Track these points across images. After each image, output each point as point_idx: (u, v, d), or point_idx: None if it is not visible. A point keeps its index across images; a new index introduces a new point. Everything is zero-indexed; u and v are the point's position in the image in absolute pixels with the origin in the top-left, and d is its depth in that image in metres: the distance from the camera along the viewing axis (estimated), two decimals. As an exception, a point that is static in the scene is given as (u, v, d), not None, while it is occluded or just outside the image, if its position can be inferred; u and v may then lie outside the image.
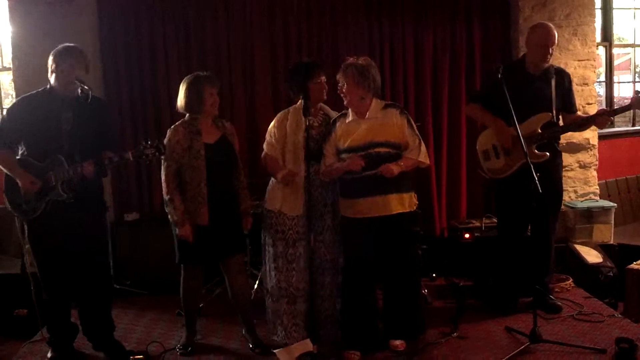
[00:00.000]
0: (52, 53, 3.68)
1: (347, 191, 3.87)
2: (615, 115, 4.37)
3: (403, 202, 3.84)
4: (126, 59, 5.50)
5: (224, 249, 3.94)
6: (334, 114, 4.03)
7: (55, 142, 3.61)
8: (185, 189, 3.83)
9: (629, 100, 4.32)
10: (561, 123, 4.45)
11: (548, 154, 4.24)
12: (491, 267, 4.77)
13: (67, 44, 3.72)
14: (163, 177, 3.84)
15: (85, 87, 3.64)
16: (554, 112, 4.31)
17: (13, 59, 5.31)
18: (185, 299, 4.05)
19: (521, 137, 3.90)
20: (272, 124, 4.02)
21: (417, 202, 3.99)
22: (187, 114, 3.90)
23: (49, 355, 3.94)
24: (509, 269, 4.50)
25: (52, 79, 3.68)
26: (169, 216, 3.84)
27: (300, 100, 3.94)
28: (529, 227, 4.56)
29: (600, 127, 4.49)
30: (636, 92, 4.36)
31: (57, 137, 3.61)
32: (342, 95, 3.84)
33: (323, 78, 3.94)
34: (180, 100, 3.89)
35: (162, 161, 3.82)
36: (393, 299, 4.00)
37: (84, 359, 4.01)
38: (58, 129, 3.61)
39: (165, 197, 3.83)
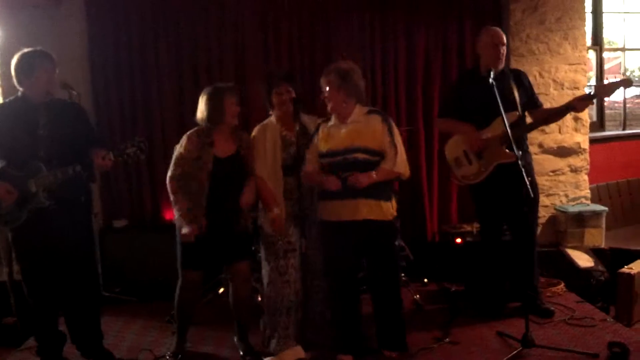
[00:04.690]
0: (18, 60, 3.58)
1: (324, 193, 3.83)
2: (589, 99, 4.34)
3: (373, 210, 3.74)
4: (115, 63, 5.46)
5: (227, 256, 3.91)
6: (310, 123, 3.98)
7: (32, 149, 3.55)
8: (190, 198, 3.78)
9: (620, 104, 4.36)
10: (528, 120, 4.46)
11: (519, 153, 4.13)
12: (475, 271, 4.76)
13: (34, 49, 3.62)
14: (168, 181, 3.81)
15: (74, 92, 3.60)
16: (520, 110, 4.30)
17: (1, 64, 5.25)
18: (180, 308, 3.99)
19: (511, 138, 3.88)
20: (255, 139, 3.95)
21: (394, 213, 3.85)
22: (201, 123, 3.85)
23: None
24: (489, 273, 4.50)
25: (24, 85, 3.59)
26: (175, 218, 3.79)
27: (274, 114, 3.96)
28: (511, 232, 4.56)
29: (579, 111, 4.57)
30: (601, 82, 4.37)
31: (34, 144, 3.55)
32: (325, 100, 3.80)
33: (285, 89, 3.90)
34: (201, 112, 3.82)
35: (172, 163, 3.80)
36: (376, 307, 3.96)
37: None
38: (34, 136, 3.55)
39: (171, 198, 3.79)
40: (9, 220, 3.62)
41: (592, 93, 4.27)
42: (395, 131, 3.80)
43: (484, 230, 4.62)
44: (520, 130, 4.27)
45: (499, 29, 4.39)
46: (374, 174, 3.67)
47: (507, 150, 4.15)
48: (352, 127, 3.75)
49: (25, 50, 3.62)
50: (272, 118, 3.98)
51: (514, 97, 4.28)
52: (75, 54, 5.21)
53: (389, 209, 3.81)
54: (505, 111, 4.12)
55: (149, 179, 5.56)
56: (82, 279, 3.84)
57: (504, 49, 4.33)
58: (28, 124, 3.56)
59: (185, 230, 3.72)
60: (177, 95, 5.56)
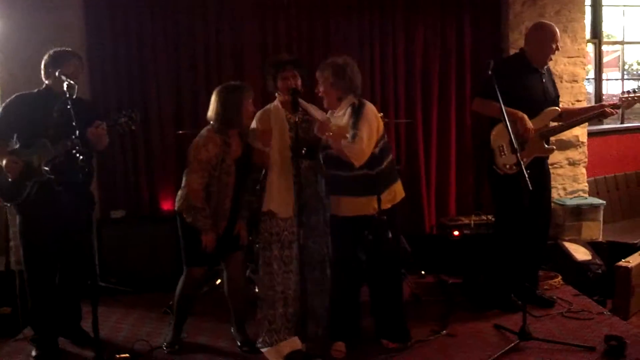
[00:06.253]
0: (49, 54, 3.77)
1: (330, 186, 3.91)
2: (617, 108, 4.40)
3: (350, 206, 3.75)
4: (113, 56, 5.40)
5: (227, 248, 3.89)
6: (311, 108, 3.91)
7: (43, 130, 3.66)
8: (208, 199, 3.74)
9: (617, 98, 4.38)
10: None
11: (553, 148, 4.39)
12: (487, 265, 4.68)
13: (62, 49, 3.83)
14: (193, 186, 3.69)
15: (72, 81, 3.60)
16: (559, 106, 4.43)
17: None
18: (182, 301, 3.98)
19: (514, 135, 3.93)
20: (253, 124, 3.89)
21: (376, 207, 3.72)
22: (215, 123, 3.76)
23: (33, 353, 3.89)
24: (508, 266, 4.44)
25: (50, 77, 3.75)
26: (191, 220, 3.73)
27: (277, 98, 3.92)
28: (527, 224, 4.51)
29: (605, 116, 4.55)
30: (630, 91, 4.37)
31: (46, 125, 3.66)
32: (320, 95, 3.78)
33: (291, 73, 3.84)
34: (217, 112, 3.72)
35: (191, 169, 3.71)
36: (373, 299, 4.00)
37: (67, 357, 3.96)
38: (48, 117, 3.65)
39: (196, 205, 3.70)
40: (11, 195, 3.71)
41: (618, 103, 4.35)
42: (366, 118, 3.65)
43: (504, 223, 4.51)
44: (563, 126, 4.41)
45: (554, 26, 4.39)
46: (335, 131, 3.59)
47: (546, 145, 4.31)
48: (333, 121, 3.72)
49: (59, 48, 3.83)
50: (276, 102, 3.93)
51: (554, 93, 4.44)
52: (73, 47, 5.16)
53: (370, 203, 3.72)
54: (547, 106, 4.33)
55: (146, 171, 5.53)
56: (77, 261, 3.92)
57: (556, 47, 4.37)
58: (45, 108, 3.68)
59: (208, 238, 3.71)
60: (175, 89, 5.52)
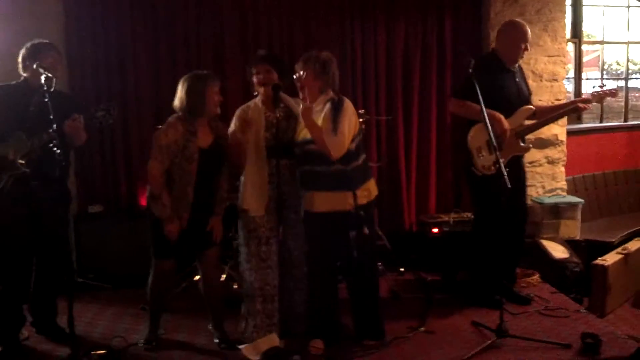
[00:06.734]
0: (27, 47, 3.75)
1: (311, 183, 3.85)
2: (589, 102, 4.42)
3: (328, 201, 3.71)
4: (92, 48, 5.32)
5: (200, 244, 3.86)
6: (293, 103, 3.86)
7: (20, 124, 3.61)
8: (171, 188, 3.71)
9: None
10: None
11: (532, 145, 4.43)
12: (469, 262, 4.72)
13: (41, 40, 3.81)
14: (152, 172, 3.68)
15: (49, 74, 3.56)
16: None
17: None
18: (153, 295, 3.95)
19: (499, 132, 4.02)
20: (232, 122, 3.89)
21: (352, 203, 3.67)
22: (180, 111, 3.74)
23: None
24: (488, 263, 4.46)
25: (28, 70, 3.73)
26: (154, 211, 3.73)
27: (259, 95, 3.89)
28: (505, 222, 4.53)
29: (579, 112, 4.67)
30: (602, 85, 4.44)
31: (22, 119, 3.61)
32: (299, 86, 3.73)
33: (263, 68, 3.83)
34: (181, 101, 3.70)
35: (151, 155, 3.70)
36: (350, 296, 4.00)
37: (43, 353, 3.92)
38: (25, 111, 3.61)
39: (153, 191, 3.71)
40: None
41: (589, 98, 4.41)
42: (346, 113, 3.64)
43: (485, 221, 4.51)
44: (530, 128, 4.44)
45: (526, 26, 4.42)
46: (313, 123, 3.57)
47: (522, 144, 4.37)
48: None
49: (38, 40, 3.82)
50: (257, 100, 3.90)
51: (527, 92, 4.50)
52: (51, 38, 5.09)
53: (346, 199, 3.69)
54: (521, 105, 4.37)
55: (124, 165, 5.48)
56: (54, 257, 3.90)
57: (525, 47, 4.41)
58: (22, 103, 3.64)
59: (169, 227, 3.67)
60: (154, 83, 5.46)
